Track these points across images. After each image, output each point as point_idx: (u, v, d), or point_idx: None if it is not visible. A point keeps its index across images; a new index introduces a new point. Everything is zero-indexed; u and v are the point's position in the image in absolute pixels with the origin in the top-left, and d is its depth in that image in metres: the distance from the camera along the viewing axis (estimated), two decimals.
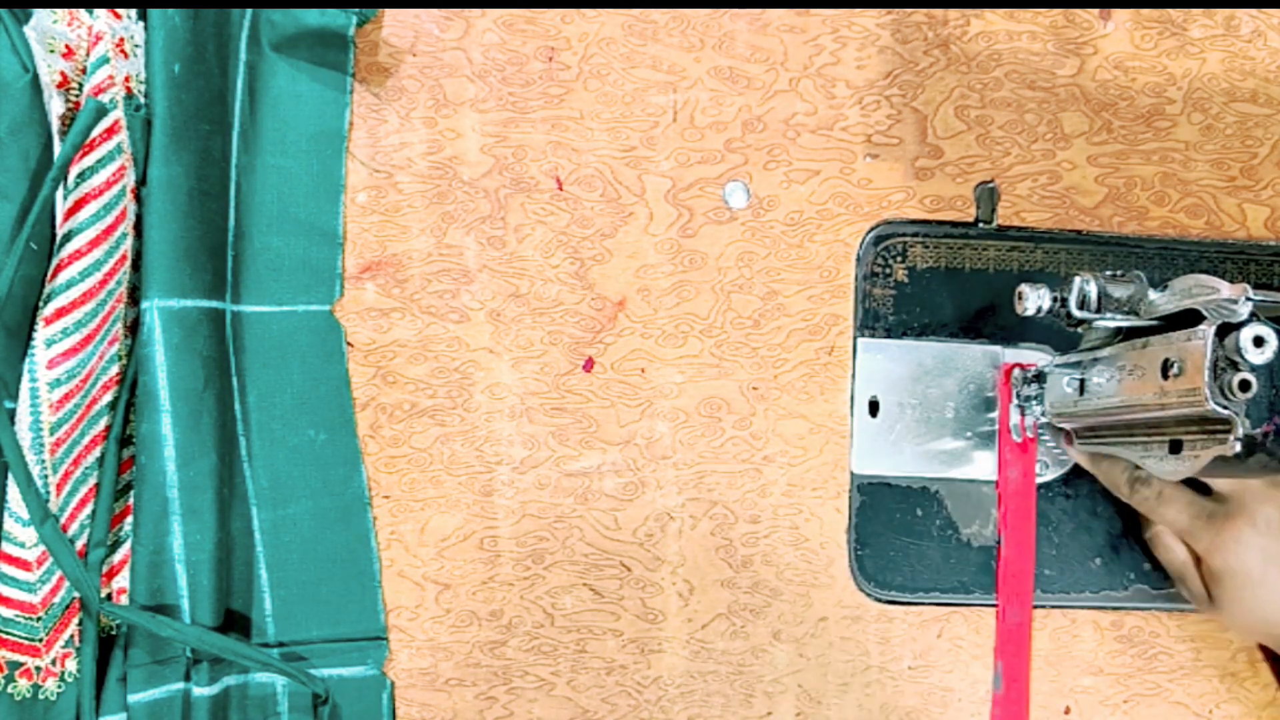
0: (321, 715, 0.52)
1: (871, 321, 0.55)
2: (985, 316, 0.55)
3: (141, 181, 0.49)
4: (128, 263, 0.49)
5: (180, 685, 0.50)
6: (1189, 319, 0.43)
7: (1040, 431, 0.54)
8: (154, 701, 0.49)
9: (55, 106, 0.47)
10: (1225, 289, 0.41)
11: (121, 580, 0.50)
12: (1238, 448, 0.40)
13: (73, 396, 0.47)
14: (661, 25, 0.53)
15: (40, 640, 0.48)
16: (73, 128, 0.46)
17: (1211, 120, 0.56)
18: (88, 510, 0.49)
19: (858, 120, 0.54)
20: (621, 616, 0.54)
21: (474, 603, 0.53)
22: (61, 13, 0.48)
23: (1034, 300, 0.47)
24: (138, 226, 0.49)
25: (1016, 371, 0.54)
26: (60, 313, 0.46)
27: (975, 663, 0.55)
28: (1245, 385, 0.39)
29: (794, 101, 0.54)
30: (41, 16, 0.47)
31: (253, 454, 0.52)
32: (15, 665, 0.48)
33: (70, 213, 0.47)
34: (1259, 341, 0.39)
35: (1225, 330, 0.40)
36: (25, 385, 0.46)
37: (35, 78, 0.46)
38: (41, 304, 0.47)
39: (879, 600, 0.55)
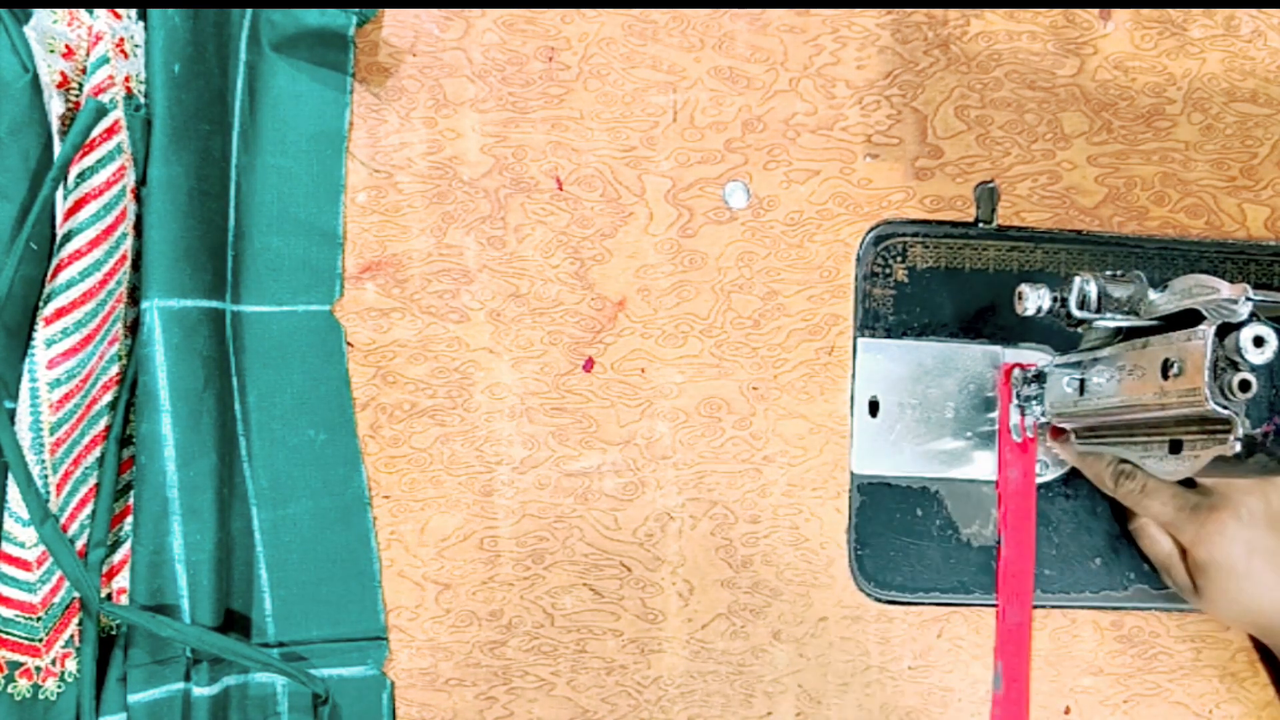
0: (321, 715, 0.52)
1: (871, 321, 0.55)
2: (985, 316, 0.55)
3: (141, 181, 0.49)
4: (128, 263, 0.49)
5: (180, 685, 0.50)
6: (1189, 319, 0.43)
7: (1040, 431, 0.54)
8: (154, 701, 0.49)
9: (55, 106, 0.47)
10: (1225, 289, 0.41)
11: (121, 580, 0.50)
12: (1238, 448, 0.40)
13: (73, 396, 0.47)
14: (661, 25, 0.53)
15: (40, 640, 0.48)
16: (73, 128, 0.46)
17: (1211, 120, 0.56)
18: (88, 510, 0.49)
19: (858, 120, 0.54)
20: (621, 616, 0.54)
21: (474, 603, 0.53)
22: (61, 13, 0.48)
23: (1034, 300, 0.47)
24: (138, 226, 0.49)
25: (1016, 371, 0.54)
26: (60, 313, 0.46)
27: (975, 663, 0.55)
28: (1245, 385, 0.39)
29: (794, 101, 0.54)
30: (41, 16, 0.47)
31: (253, 454, 0.52)
32: (15, 665, 0.48)
33: (70, 213, 0.47)
34: (1259, 341, 0.39)
35: (1225, 330, 0.40)
36: (25, 385, 0.46)
37: (35, 78, 0.46)
38: (41, 304, 0.47)
39: (879, 600, 0.55)
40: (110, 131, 0.47)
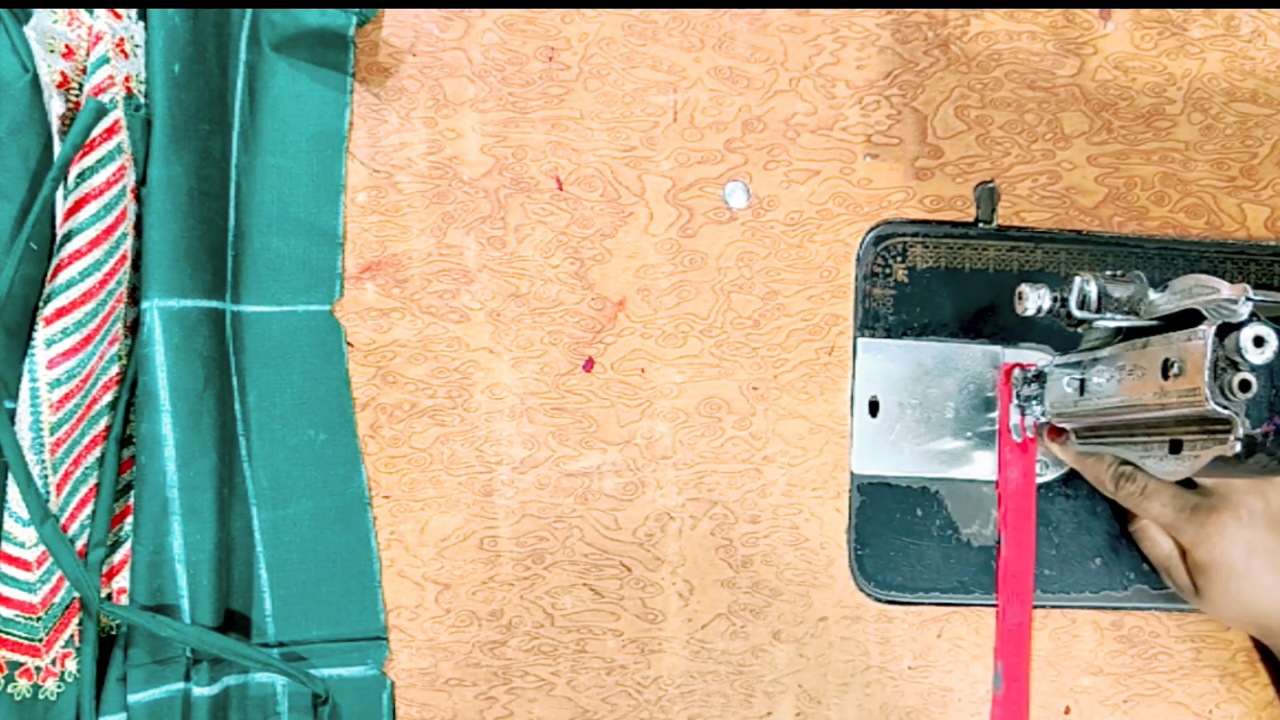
0: (321, 715, 0.52)
1: (871, 321, 0.55)
2: (985, 316, 0.55)
3: (141, 181, 0.49)
4: (128, 263, 0.49)
5: (180, 685, 0.50)
6: (1189, 319, 0.43)
7: (1039, 432, 0.54)
8: (154, 701, 0.49)
9: (55, 106, 0.47)
10: (1225, 289, 0.41)
11: (121, 580, 0.50)
12: (1238, 448, 0.40)
13: (73, 396, 0.47)
14: (661, 25, 0.53)
15: (40, 640, 0.48)
16: (73, 128, 0.46)
17: (1211, 120, 0.56)
18: (88, 510, 0.49)
19: (858, 120, 0.54)
20: (621, 616, 0.54)
21: (474, 603, 0.53)
22: (61, 13, 0.48)
23: (1034, 300, 0.47)
24: (138, 226, 0.49)
25: (1016, 371, 0.54)
26: (60, 313, 0.46)
27: (975, 663, 0.55)
28: (1245, 385, 0.39)
29: (794, 101, 0.54)
30: (41, 16, 0.47)
31: (253, 454, 0.52)
32: (15, 665, 0.48)
33: (70, 213, 0.47)
34: (1259, 341, 0.39)
35: (1225, 330, 0.40)
36: (25, 385, 0.46)
37: (35, 78, 0.46)
38: (41, 304, 0.47)
39: (879, 600, 0.55)
40: (110, 131, 0.47)
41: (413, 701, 0.53)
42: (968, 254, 0.55)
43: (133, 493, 0.50)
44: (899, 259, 0.55)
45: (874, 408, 0.55)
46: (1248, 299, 0.40)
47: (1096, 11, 0.55)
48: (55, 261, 0.47)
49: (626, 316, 0.54)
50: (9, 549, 0.47)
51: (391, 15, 0.53)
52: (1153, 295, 0.45)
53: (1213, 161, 0.56)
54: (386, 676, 0.53)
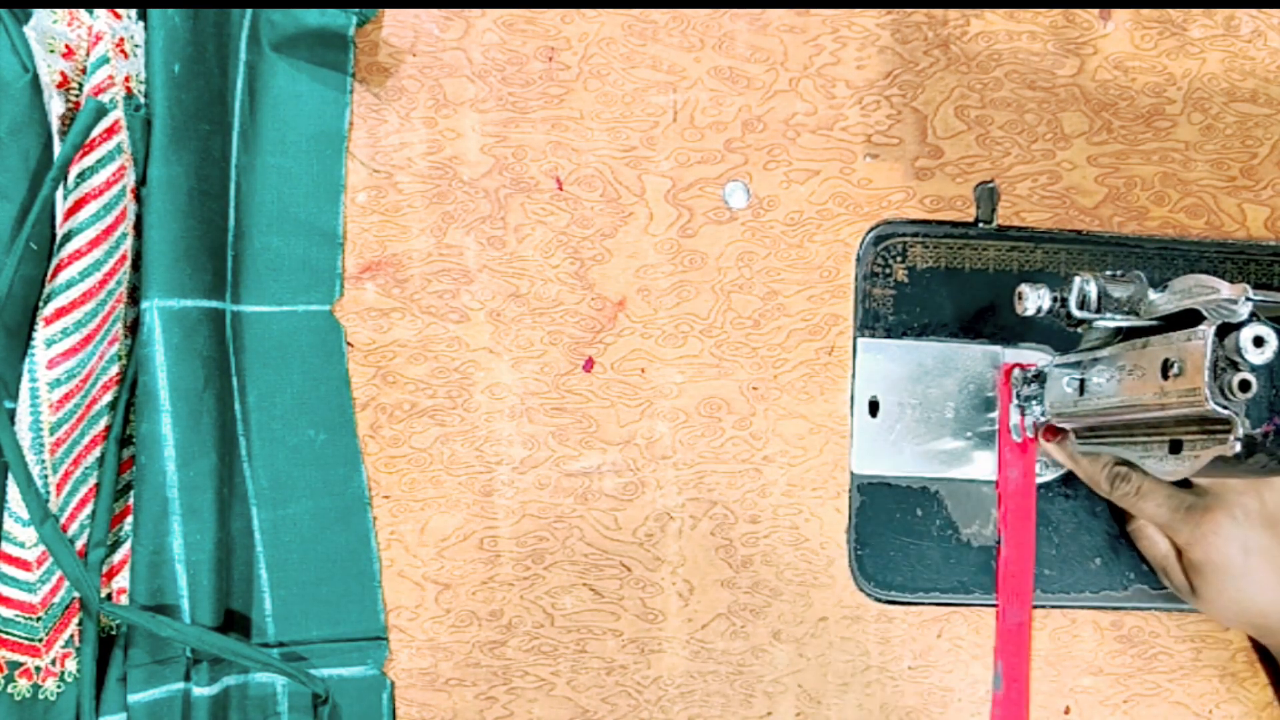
0: (321, 715, 0.52)
1: (871, 321, 0.55)
2: (985, 316, 0.55)
3: (141, 181, 0.49)
4: (128, 263, 0.49)
5: (180, 685, 0.50)
6: (1189, 319, 0.43)
7: (1036, 432, 0.54)
8: (154, 701, 0.49)
9: (55, 106, 0.47)
10: (1225, 289, 0.41)
11: (121, 580, 0.50)
12: (1238, 448, 0.40)
13: (73, 396, 0.47)
14: (661, 25, 0.53)
15: (40, 640, 0.48)
16: (73, 128, 0.46)
17: (1211, 120, 0.56)
18: (88, 510, 0.49)
19: (858, 120, 0.54)
20: (621, 616, 0.54)
21: (474, 603, 0.53)
22: (61, 13, 0.48)
23: (1034, 300, 0.47)
24: (138, 226, 0.49)
25: (1016, 371, 0.54)
26: (60, 313, 0.46)
27: (975, 663, 0.55)
28: (1245, 385, 0.39)
29: (794, 101, 0.54)
30: (41, 16, 0.47)
31: (253, 454, 0.52)
32: (15, 665, 0.48)
33: (70, 213, 0.47)
34: (1259, 341, 0.39)
35: (1225, 330, 0.40)
36: (25, 385, 0.46)
37: (35, 78, 0.46)
38: (41, 304, 0.47)
39: (879, 600, 0.55)
40: (110, 131, 0.47)
41: (413, 701, 0.53)
42: (968, 254, 0.55)
43: (133, 493, 0.50)
44: (899, 259, 0.55)
45: (874, 408, 0.55)
46: (1248, 299, 0.40)
47: (1096, 11, 0.55)
48: (55, 261, 0.47)
49: (626, 316, 0.54)
50: (9, 549, 0.47)
51: (391, 15, 0.53)
52: (1153, 295, 0.45)
53: (1213, 161, 0.56)
54: (386, 676, 0.53)
